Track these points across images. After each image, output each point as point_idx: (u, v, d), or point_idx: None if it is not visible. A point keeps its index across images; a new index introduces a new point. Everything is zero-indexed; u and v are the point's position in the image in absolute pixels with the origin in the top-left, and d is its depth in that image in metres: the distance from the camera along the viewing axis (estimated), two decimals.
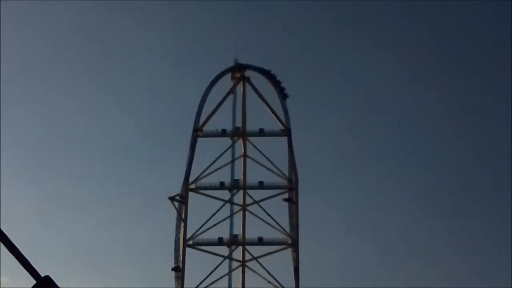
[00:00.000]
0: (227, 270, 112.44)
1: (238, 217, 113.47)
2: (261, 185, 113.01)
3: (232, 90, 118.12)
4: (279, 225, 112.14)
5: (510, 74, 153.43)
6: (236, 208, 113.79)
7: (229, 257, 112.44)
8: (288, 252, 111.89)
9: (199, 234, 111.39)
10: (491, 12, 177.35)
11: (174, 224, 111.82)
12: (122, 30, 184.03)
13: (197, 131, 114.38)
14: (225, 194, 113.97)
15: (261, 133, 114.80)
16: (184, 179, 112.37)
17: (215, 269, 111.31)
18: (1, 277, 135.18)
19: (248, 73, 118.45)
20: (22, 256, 5.52)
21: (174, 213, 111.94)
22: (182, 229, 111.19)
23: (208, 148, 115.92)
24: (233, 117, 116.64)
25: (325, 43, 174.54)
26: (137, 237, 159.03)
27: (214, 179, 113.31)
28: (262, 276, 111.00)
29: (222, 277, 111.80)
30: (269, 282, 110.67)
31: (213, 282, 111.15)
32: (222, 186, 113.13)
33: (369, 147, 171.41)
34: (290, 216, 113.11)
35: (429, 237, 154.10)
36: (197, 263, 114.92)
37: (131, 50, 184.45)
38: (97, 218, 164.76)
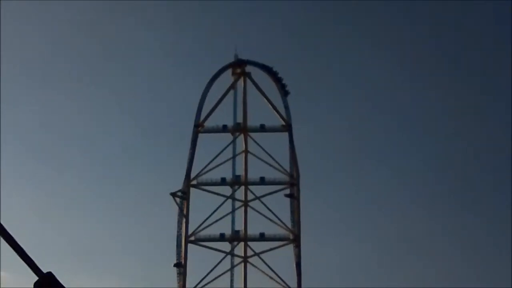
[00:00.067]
0: (229, 266, 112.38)
1: (239, 213, 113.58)
2: (262, 181, 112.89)
3: (233, 86, 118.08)
4: (280, 220, 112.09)
5: (510, 74, 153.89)
6: (237, 204, 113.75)
7: (231, 253, 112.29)
8: (290, 247, 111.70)
9: (201, 230, 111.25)
10: (491, 12, 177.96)
11: (176, 220, 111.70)
12: (122, 30, 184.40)
13: (198, 127, 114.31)
14: (226, 190, 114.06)
15: (262, 128, 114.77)
16: (186, 175, 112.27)
17: (217, 265, 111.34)
18: (1, 273, 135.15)
19: (248, 68, 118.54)
20: (24, 252, 5.47)
21: (175, 209, 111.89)
22: (184, 225, 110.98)
23: (209, 144, 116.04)
24: (234, 113, 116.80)
25: (325, 43, 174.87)
26: (139, 233, 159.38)
27: (215, 175, 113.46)
28: (264, 272, 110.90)
29: (224, 273, 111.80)
30: (271, 278, 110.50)
31: (215, 278, 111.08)
32: (223, 182, 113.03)
33: (369, 147, 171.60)
34: (292, 212, 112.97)
35: (429, 237, 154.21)
36: (199, 259, 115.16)
37: (131, 50, 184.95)
38: (99, 215, 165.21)
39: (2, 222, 5.39)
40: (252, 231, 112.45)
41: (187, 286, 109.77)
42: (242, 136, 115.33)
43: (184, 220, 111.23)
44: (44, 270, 5.48)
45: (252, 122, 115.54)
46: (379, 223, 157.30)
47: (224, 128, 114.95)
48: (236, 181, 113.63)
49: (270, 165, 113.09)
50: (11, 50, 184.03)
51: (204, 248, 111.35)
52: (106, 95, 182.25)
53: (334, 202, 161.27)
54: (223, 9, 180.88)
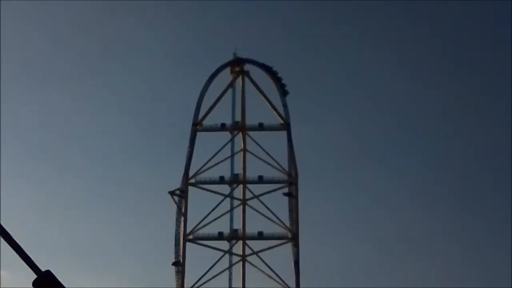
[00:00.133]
0: (227, 265, 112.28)
1: (238, 212, 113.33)
2: (260, 180, 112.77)
3: (232, 84, 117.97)
4: (279, 219, 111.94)
5: (510, 74, 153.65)
6: (236, 202, 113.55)
7: (229, 252, 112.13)
8: (288, 246, 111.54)
9: (199, 229, 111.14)
10: (491, 12, 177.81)
11: (174, 219, 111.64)
12: (122, 30, 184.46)
13: (197, 125, 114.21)
14: (225, 189, 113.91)
15: (261, 127, 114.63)
16: (184, 174, 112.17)
17: (215, 263, 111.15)
18: (1, 271, 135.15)
19: (247, 67, 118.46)
20: (23, 251, 5.50)
21: (174, 207, 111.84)
22: (182, 223, 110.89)
23: (207, 143, 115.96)
24: (232, 111, 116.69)
25: (325, 43, 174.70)
26: (137, 232, 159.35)
27: (213, 173, 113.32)
28: (262, 271, 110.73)
29: (222, 271, 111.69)
30: (270, 277, 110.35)
31: (213, 277, 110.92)
32: (222, 180, 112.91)
33: (369, 146, 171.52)
34: (290, 211, 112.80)
35: (429, 237, 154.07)
36: (198, 258, 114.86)
37: (131, 50, 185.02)
38: (97, 213, 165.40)
39: (2, 222, 5.42)
40: (251, 229, 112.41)
41: (185, 284, 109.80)
42: (240, 134, 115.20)
43: (182, 218, 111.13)
44: (43, 268, 5.49)
45: (251, 120, 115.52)
46: (379, 222, 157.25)
47: (223, 127, 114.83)
48: (234, 180, 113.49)
49: (269, 164, 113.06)
50: (11, 50, 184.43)
51: (202, 247, 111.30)
52: (106, 95, 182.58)
53: (333, 201, 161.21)
54: (223, 9, 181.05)
